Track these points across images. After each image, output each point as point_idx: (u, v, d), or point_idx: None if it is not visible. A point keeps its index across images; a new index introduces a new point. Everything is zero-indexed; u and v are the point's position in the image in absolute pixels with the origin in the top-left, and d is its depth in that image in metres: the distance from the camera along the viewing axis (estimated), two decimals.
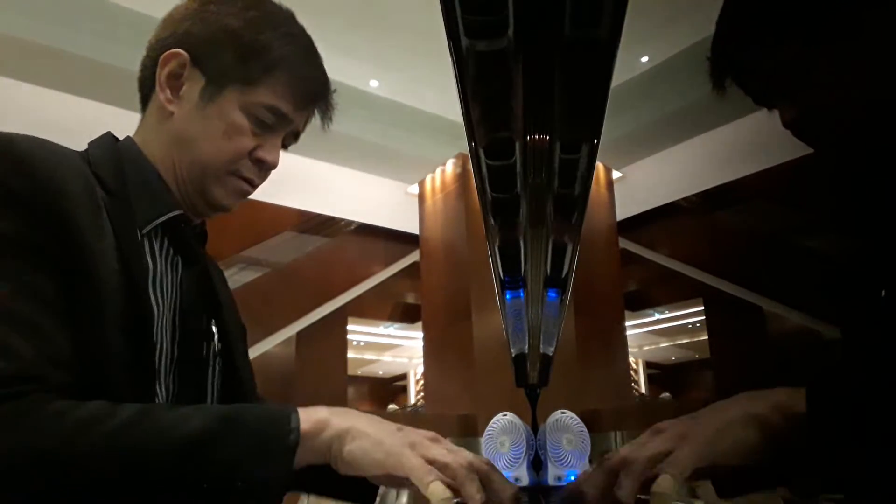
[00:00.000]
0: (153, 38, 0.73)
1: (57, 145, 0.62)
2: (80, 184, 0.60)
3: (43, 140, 0.61)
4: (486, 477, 0.55)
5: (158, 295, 0.66)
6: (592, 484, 0.60)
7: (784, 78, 0.65)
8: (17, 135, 0.59)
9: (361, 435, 0.53)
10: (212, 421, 0.51)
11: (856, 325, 0.68)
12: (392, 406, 13.16)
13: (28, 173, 0.56)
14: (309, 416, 0.53)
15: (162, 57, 0.70)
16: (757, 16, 0.66)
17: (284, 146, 0.76)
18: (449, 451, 0.55)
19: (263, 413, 0.53)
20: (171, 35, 0.71)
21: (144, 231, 0.66)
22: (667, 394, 12.78)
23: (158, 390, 0.65)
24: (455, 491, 0.53)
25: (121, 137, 0.74)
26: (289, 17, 0.74)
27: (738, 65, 0.69)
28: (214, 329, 0.74)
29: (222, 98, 0.69)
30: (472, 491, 0.52)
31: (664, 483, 0.52)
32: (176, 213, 0.69)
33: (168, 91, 0.70)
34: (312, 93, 0.74)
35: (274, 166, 0.74)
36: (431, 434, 0.58)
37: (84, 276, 0.56)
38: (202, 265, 0.74)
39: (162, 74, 0.70)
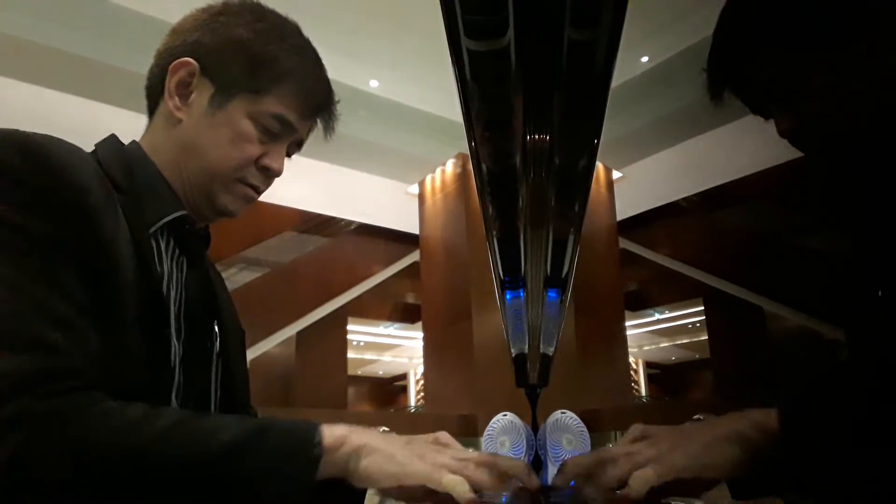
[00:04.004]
0: (162, 46, 0.75)
1: (67, 142, 0.63)
2: (97, 181, 0.61)
3: (59, 139, 0.62)
4: (495, 466, 0.59)
5: (168, 292, 0.68)
6: (576, 468, 0.65)
7: (780, 88, 0.67)
8: (36, 133, 0.60)
9: (375, 450, 0.55)
10: (244, 432, 0.53)
11: (855, 325, 0.68)
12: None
13: (50, 171, 0.57)
14: (331, 432, 0.55)
15: (171, 65, 0.71)
16: (752, 28, 0.67)
17: (288, 154, 0.78)
18: (456, 456, 0.58)
19: (291, 427, 0.55)
20: (181, 44, 0.73)
21: (151, 230, 0.68)
22: None
23: (173, 385, 0.66)
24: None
25: (121, 138, 0.75)
26: (295, 29, 0.76)
27: (734, 76, 0.70)
28: (216, 329, 0.76)
29: (230, 106, 0.71)
30: (484, 479, 0.57)
31: (645, 473, 0.57)
32: (181, 213, 0.71)
33: (177, 98, 0.72)
34: (317, 103, 0.77)
35: (279, 173, 0.76)
36: (440, 442, 0.62)
37: (106, 271, 0.58)
38: (205, 267, 0.76)
39: (171, 82, 0.72)
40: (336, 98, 0.79)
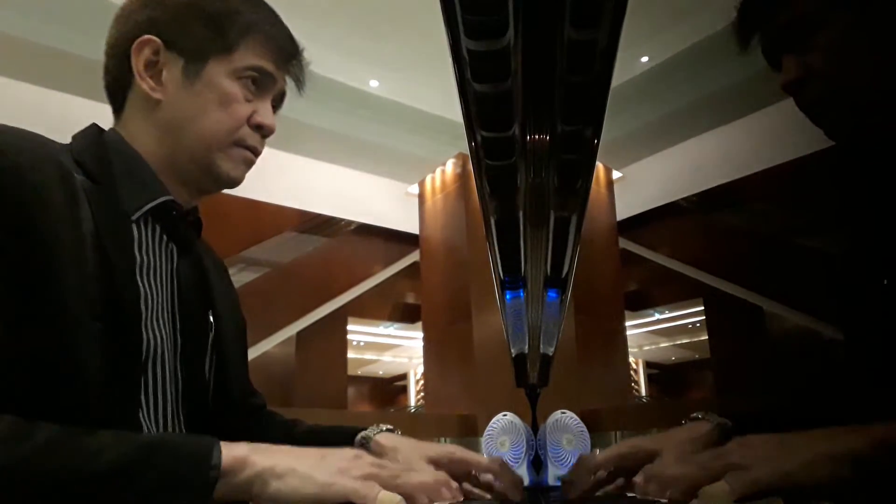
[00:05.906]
0: (111, 38, 0.72)
1: (33, 134, 0.61)
2: (50, 172, 0.58)
3: (16, 129, 0.60)
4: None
5: (151, 282, 0.66)
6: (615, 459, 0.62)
7: (793, 34, 0.67)
8: None
9: (288, 471, 0.52)
10: (130, 452, 0.49)
11: (858, 317, 0.68)
12: None
13: None
14: (229, 453, 0.51)
15: (133, 48, 0.69)
16: None
17: (274, 110, 0.77)
18: (376, 466, 0.56)
19: (184, 445, 0.51)
20: (134, 27, 0.70)
21: (134, 218, 0.65)
22: None
23: (145, 378, 0.63)
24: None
25: None
26: None
27: (762, 18, 0.70)
28: (212, 319, 0.73)
29: (206, 72, 0.69)
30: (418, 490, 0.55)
31: (718, 490, 0.50)
32: (165, 198, 0.69)
33: (149, 80, 0.70)
34: (287, 51, 0.75)
35: (272, 130, 0.75)
36: (354, 452, 0.58)
37: (46, 265, 0.54)
38: (197, 254, 0.74)
39: (139, 65, 0.69)
40: (301, 47, 0.77)
